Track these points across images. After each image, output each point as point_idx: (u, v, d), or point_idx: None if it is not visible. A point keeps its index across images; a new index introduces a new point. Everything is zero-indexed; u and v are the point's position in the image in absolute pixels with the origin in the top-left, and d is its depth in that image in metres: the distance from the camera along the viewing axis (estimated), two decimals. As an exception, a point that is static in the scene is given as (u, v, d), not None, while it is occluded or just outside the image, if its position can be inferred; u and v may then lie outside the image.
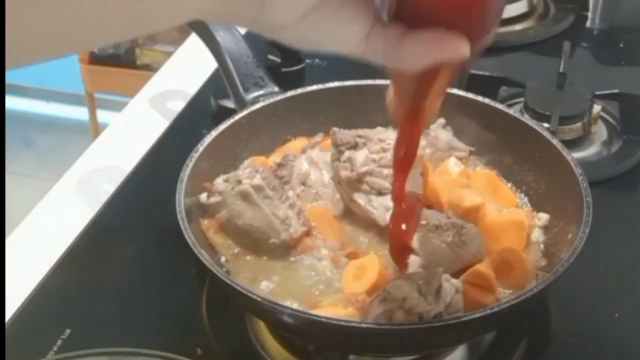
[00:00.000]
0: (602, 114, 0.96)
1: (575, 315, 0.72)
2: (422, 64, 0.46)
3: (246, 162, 0.76)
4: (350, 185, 0.69)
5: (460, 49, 0.45)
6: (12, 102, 2.85)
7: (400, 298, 0.59)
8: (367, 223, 0.70)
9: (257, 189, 0.68)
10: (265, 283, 0.66)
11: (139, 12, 0.37)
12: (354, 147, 0.70)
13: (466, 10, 0.45)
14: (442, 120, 0.79)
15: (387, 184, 0.68)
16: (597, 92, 0.95)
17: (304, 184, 0.74)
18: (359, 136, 0.71)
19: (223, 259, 0.68)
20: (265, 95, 0.81)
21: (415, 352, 0.66)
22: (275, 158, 0.78)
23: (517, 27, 1.23)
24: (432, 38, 0.45)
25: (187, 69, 1.12)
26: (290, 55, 1.03)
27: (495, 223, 0.70)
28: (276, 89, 0.82)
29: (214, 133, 0.74)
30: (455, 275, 0.64)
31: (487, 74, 1.00)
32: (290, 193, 0.72)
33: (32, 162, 2.68)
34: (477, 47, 0.47)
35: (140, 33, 0.40)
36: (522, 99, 0.96)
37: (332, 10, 0.44)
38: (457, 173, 0.75)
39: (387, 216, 0.66)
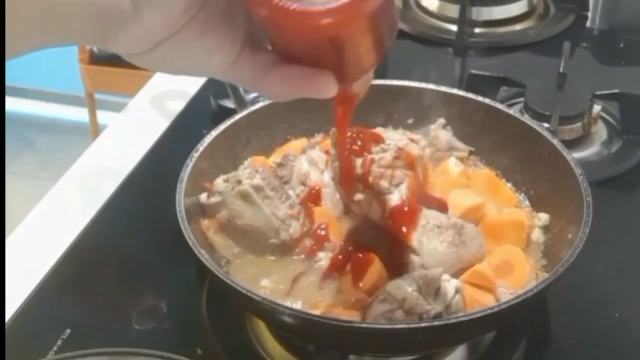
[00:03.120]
0: (602, 114, 0.96)
1: (575, 315, 0.72)
2: (286, 98, 0.46)
3: (246, 162, 0.76)
4: (350, 185, 0.69)
5: (324, 89, 0.44)
6: (12, 104, 2.84)
7: (400, 298, 0.59)
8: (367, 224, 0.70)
9: (257, 189, 0.68)
10: (265, 283, 0.66)
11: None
12: (354, 147, 0.70)
13: (334, 50, 0.44)
14: (442, 120, 0.79)
15: (387, 184, 0.68)
16: (597, 92, 0.95)
17: (303, 184, 0.74)
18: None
19: (223, 259, 0.68)
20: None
21: (415, 352, 0.66)
22: (275, 158, 0.78)
23: (517, 27, 1.23)
24: (297, 75, 0.45)
25: (187, 69, 1.12)
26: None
27: (495, 223, 0.70)
28: (276, 89, 0.82)
29: (214, 133, 0.74)
30: (455, 275, 0.64)
31: (487, 74, 1.00)
32: (291, 193, 0.72)
33: (32, 163, 2.68)
34: (357, 79, 0.47)
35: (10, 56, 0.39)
36: (522, 99, 0.96)
37: (189, 40, 0.43)
38: (457, 173, 0.75)
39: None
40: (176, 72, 0.46)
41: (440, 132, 0.79)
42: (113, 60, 2.33)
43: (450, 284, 0.61)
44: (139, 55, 0.43)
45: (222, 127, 0.76)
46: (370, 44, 0.46)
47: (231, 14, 0.44)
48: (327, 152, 0.75)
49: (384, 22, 0.45)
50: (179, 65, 0.45)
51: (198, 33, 0.43)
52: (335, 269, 0.66)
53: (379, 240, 0.68)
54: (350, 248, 0.68)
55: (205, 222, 0.70)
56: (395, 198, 0.66)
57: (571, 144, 0.89)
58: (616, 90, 0.96)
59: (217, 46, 0.44)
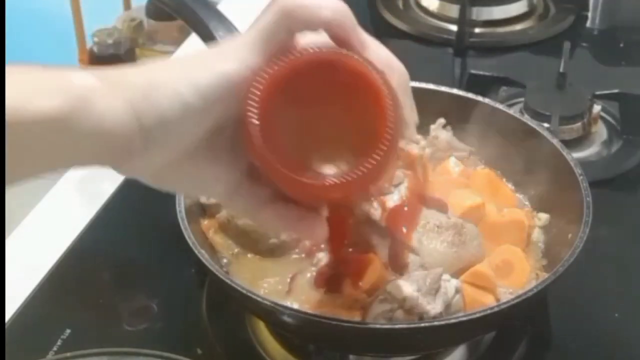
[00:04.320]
0: (602, 114, 0.96)
1: (575, 315, 0.72)
2: (280, 233, 0.52)
3: (246, 162, 0.76)
4: (350, 185, 0.69)
5: (315, 233, 0.47)
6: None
7: (400, 298, 0.59)
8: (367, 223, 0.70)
9: (257, 189, 0.68)
10: (265, 283, 0.66)
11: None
12: (354, 147, 0.70)
13: (323, 198, 0.46)
14: (442, 120, 0.79)
15: (387, 184, 0.68)
16: (597, 92, 0.95)
17: (304, 184, 0.74)
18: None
19: (223, 259, 0.68)
20: (265, 95, 0.81)
21: (415, 352, 0.66)
22: (275, 158, 0.78)
23: (517, 27, 1.23)
24: (289, 218, 0.46)
25: (187, 69, 1.12)
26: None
27: (495, 223, 0.70)
28: (276, 89, 0.82)
29: (214, 133, 0.74)
30: (455, 275, 0.64)
31: (487, 74, 1.00)
32: (290, 193, 0.72)
33: (32, 163, 2.68)
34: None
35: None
36: (522, 99, 0.96)
37: (193, 169, 0.45)
38: (457, 173, 0.75)
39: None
40: (181, 193, 0.51)
41: (440, 132, 0.79)
42: (113, 61, 2.33)
43: (450, 284, 0.61)
44: (147, 178, 0.46)
45: (222, 127, 0.76)
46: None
47: (235, 144, 0.45)
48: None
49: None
50: (182, 189, 0.49)
51: (205, 161, 0.45)
52: (335, 269, 0.66)
53: (379, 240, 0.68)
54: (349, 248, 0.67)
55: (205, 222, 0.70)
56: (395, 198, 0.66)
57: (571, 144, 0.89)
58: (616, 90, 0.96)
59: (220, 175, 0.46)
